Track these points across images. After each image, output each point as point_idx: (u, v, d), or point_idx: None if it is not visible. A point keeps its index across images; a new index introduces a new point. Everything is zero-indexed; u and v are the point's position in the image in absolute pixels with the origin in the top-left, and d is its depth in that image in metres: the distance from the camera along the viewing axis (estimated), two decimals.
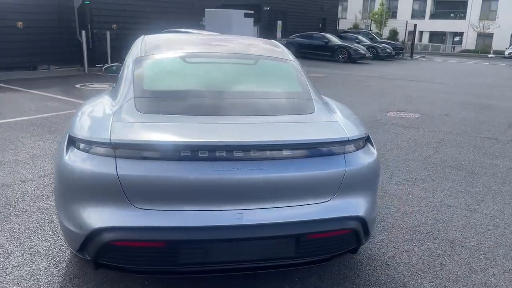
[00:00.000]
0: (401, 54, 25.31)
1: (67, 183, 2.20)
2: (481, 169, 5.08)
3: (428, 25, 42.32)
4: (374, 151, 2.58)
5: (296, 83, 2.92)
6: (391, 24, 31.61)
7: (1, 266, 2.72)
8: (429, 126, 7.32)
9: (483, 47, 36.95)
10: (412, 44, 26.08)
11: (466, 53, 35.57)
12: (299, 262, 2.31)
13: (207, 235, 2.08)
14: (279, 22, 22.83)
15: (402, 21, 29.78)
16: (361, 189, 2.41)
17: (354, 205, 2.36)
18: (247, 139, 2.17)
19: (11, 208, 3.53)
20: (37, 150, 5.08)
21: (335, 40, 21.07)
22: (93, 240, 2.09)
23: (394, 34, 30.15)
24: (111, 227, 2.06)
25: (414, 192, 4.28)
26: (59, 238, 3.07)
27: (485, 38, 38.49)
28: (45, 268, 2.72)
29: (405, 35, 27.45)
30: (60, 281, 2.60)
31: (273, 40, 3.90)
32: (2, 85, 9.74)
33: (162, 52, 3.08)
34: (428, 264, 2.97)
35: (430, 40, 43.11)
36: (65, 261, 2.80)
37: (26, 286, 2.53)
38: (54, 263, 2.78)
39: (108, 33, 13.36)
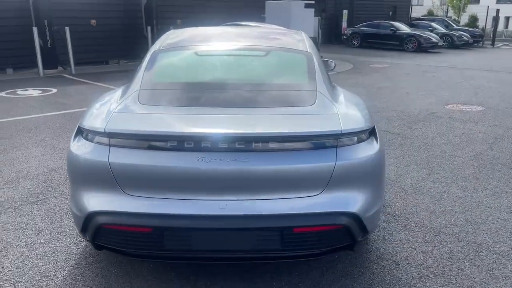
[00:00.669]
0: (481, 42, 23.30)
1: (71, 170, 2.40)
2: None
3: None
4: (377, 145, 2.46)
5: (303, 75, 2.86)
6: (472, 9, 29.13)
7: (31, 242, 3.03)
8: (490, 120, 6.72)
9: None
10: (494, 31, 23.85)
11: None
12: (285, 256, 2.30)
13: (190, 223, 2.15)
14: (345, 12, 22.21)
15: (484, 6, 27.35)
16: (357, 184, 2.32)
17: (346, 201, 2.29)
18: (233, 130, 2.19)
19: (52, 191, 3.90)
20: None
21: (404, 28, 19.99)
22: (90, 223, 2.26)
23: (473, 20, 27.73)
24: (103, 211, 2.22)
25: (450, 190, 4.00)
26: None
27: None
28: (67, 246, 2.98)
29: (485, 22, 25.18)
30: (76, 258, 2.84)
31: (299, 31, 3.84)
32: (75, 78, 10.63)
33: (178, 46, 3.19)
34: (443, 268, 2.78)
35: None
36: (84, 241, 3.04)
37: (47, 261, 2.80)
38: (75, 242, 3.04)
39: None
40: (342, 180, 2.26)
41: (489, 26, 25.92)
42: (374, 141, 2.48)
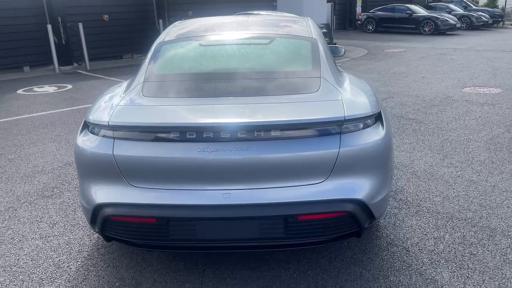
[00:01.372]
0: (501, 23, 22.60)
1: (78, 163, 2.43)
2: None
3: None
4: (382, 130, 2.42)
5: (307, 62, 2.82)
6: None
7: (46, 234, 3.11)
8: (508, 102, 6.54)
9: None
10: None
11: None
12: (290, 244, 2.29)
13: (194, 213, 2.17)
14: None
15: None
16: (362, 171, 2.29)
17: (351, 187, 2.26)
18: (234, 120, 2.19)
19: (67, 185, 3.98)
20: None
21: (420, 11, 19.52)
22: (98, 215, 2.30)
23: (492, 0, 26.92)
24: (109, 203, 2.25)
25: (465, 175, 3.91)
26: None
27: None
28: (80, 238, 3.05)
29: (505, 1, 24.38)
30: (89, 250, 2.90)
31: (305, 17, 3.79)
32: (90, 74, 10.78)
33: (182, 37, 3.19)
34: (455, 253, 2.74)
35: None
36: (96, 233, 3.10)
37: (61, 253, 2.87)
38: (88, 234, 3.10)
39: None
40: (347, 166, 2.23)
41: (509, 5, 25.07)
42: (380, 127, 2.43)
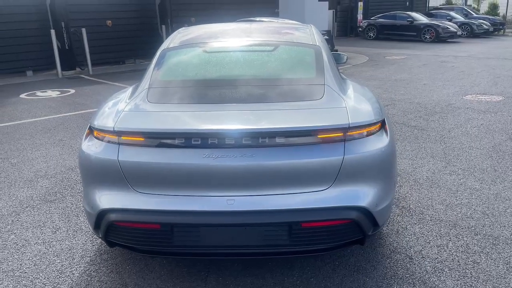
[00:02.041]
0: (502, 30, 22.66)
1: (83, 168, 2.44)
2: None
3: None
4: (386, 138, 2.42)
5: (311, 69, 2.84)
6: None
7: (48, 239, 3.11)
8: (510, 110, 6.55)
9: None
10: None
11: None
12: (293, 251, 2.29)
13: (199, 220, 2.17)
14: (360, 3, 21.93)
15: None
16: (366, 178, 2.29)
17: (355, 195, 2.26)
18: (239, 126, 2.20)
19: (69, 190, 3.99)
20: None
21: (421, 18, 19.59)
22: (102, 220, 2.31)
23: (493, 8, 26.97)
24: (114, 208, 2.25)
25: (467, 183, 3.92)
26: None
27: None
28: (83, 244, 3.05)
29: (506, 9, 24.46)
30: (91, 255, 2.90)
31: (308, 24, 3.82)
32: (92, 79, 10.81)
33: (186, 44, 3.21)
34: (458, 261, 2.73)
35: None
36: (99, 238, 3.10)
37: (64, 258, 2.87)
38: (91, 239, 3.10)
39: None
40: (351, 174, 2.24)
41: (510, 13, 25.18)
42: (384, 134, 2.44)
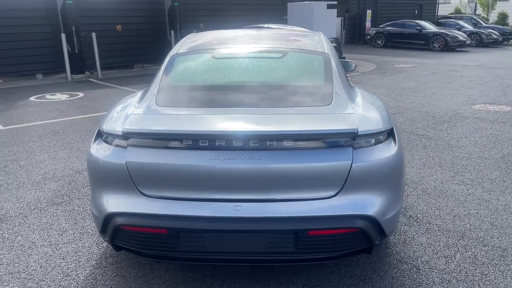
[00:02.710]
0: (511, 40, 22.55)
1: (91, 172, 2.45)
2: None
3: None
4: (395, 146, 2.41)
5: (320, 76, 2.84)
6: (501, 7, 28.24)
7: (55, 241, 3.12)
8: None
9: None
10: None
11: None
12: (299, 258, 2.28)
13: (205, 225, 2.17)
14: (369, 11, 21.96)
15: None
16: (374, 187, 2.28)
17: (363, 203, 2.25)
18: (246, 129, 2.20)
19: (76, 192, 4.00)
20: None
21: (430, 27, 19.56)
22: (108, 224, 2.31)
23: (503, 17, 26.86)
24: (121, 212, 2.26)
25: (476, 193, 3.88)
26: None
27: None
28: (89, 246, 3.05)
29: None
30: (97, 258, 2.90)
31: (317, 32, 3.82)
32: (101, 82, 10.90)
33: (195, 49, 3.22)
34: (466, 273, 2.70)
35: None
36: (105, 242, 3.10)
37: (70, 261, 2.88)
38: (97, 243, 3.11)
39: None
40: (359, 182, 2.23)
41: None
42: (392, 143, 2.43)
